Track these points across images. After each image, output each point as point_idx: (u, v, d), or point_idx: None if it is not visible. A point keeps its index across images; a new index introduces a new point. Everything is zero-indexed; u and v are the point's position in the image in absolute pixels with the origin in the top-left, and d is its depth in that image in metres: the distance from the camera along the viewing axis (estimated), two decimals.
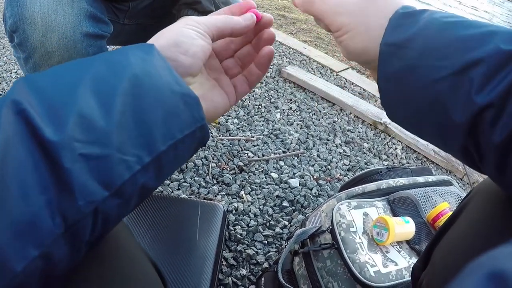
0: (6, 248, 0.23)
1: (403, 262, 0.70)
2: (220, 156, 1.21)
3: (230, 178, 1.12)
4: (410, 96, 0.34)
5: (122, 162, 0.28)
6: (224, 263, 0.89)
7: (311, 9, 0.41)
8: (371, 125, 1.58)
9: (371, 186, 0.84)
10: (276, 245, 0.97)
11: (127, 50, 0.32)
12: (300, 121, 1.50)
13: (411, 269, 0.54)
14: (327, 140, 1.43)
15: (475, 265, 0.15)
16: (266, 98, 1.59)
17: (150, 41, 0.36)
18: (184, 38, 0.35)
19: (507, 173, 0.30)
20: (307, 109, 1.59)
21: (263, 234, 0.98)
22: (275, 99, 1.60)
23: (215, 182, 1.11)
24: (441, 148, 0.36)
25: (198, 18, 0.38)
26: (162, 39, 0.36)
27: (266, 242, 0.96)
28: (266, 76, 1.74)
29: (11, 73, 1.60)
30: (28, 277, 0.25)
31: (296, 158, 1.29)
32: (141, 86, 0.30)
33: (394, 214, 0.80)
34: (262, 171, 1.19)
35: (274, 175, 1.18)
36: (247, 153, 1.24)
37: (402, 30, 0.34)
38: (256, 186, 1.12)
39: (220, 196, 1.06)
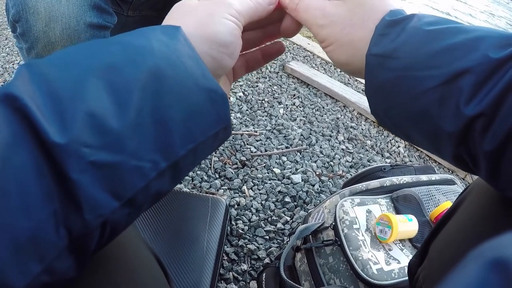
0: (6, 265, 0.21)
1: (405, 260, 0.70)
2: (223, 150, 1.20)
3: (232, 173, 1.12)
4: (398, 106, 0.33)
5: (136, 169, 0.25)
6: (226, 258, 0.89)
7: (296, 16, 0.39)
8: (374, 122, 1.57)
9: (374, 183, 0.83)
10: (278, 240, 0.96)
11: (149, 32, 0.28)
12: (303, 116, 1.49)
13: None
14: (330, 136, 1.42)
15: (477, 253, 0.15)
16: (270, 93, 1.58)
17: (171, 19, 0.31)
18: (232, 37, 0.31)
19: (500, 179, 0.30)
20: (311, 105, 1.58)
21: (265, 229, 0.97)
22: (278, 94, 1.59)
23: (217, 176, 1.11)
24: (434, 154, 0.36)
25: (234, 3, 0.33)
26: (201, 27, 0.30)
27: (267, 237, 0.96)
28: (270, 71, 1.73)
29: (13, 64, 1.59)
30: None
31: (298, 153, 1.28)
32: (162, 80, 0.26)
33: (397, 212, 0.79)
34: (264, 166, 1.19)
35: (277, 171, 1.18)
36: (249, 148, 1.24)
37: (388, 39, 0.33)
38: (258, 181, 1.12)
39: (222, 190, 1.06)
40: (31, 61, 0.25)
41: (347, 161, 1.32)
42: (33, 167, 0.22)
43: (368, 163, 1.33)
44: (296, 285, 0.67)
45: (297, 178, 1.15)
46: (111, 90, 0.24)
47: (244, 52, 0.42)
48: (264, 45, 0.43)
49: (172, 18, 0.33)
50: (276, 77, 1.71)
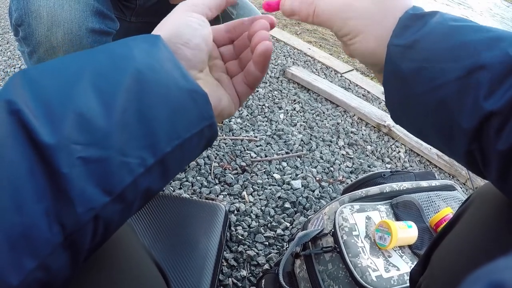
0: (1, 262, 0.22)
1: (405, 267, 0.70)
2: (223, 155, 1.20)
3: (232, 178, 1.12)
4: (415, 98, 0.33)
5: (123, 165, 0.26)
6: (225, 263, 0.89)
7: (313, 19, 0.39)
8: (374, 127, 1.57)
9: (374, 190, 0.83)
10: (277, 246, 0.96)
11: (131, 41, 0.31)
12: (303, 122, 1.49)
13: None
14: (330, 141, 1.42)
15: (474, 277, 0.16)
16: (270, 99, 1.59)
17: (154, 32, 0.35)
18: (185, 28, 0.34)
19: (510, 181, 0.30)
20: (311, 110, 1.58)
21: (265, 235, 0.97)
22: (278, 99, 1.59)
23: (217, 182, 1.11)
24: (445, 152, 0.36)
25: (196, 1, 0.37)
26: (163, 30, 0.34)
27: (267, 243, 0.96)
28: (270, 76, 1.74)
29: (14, 68, 1.60)
30: None
31: (299, 159, 1.28)
32: (145, 82, 0.29)
33: (397, 218, 0.79)
34: (264, 171, 1.19)
35: (277, 176, 1.17)
36: (249, 153, 1.24)
37: (411, 31, 0.34)
38: (258, 187, 1.12)
39: (222, 196, 1.06)
40: (25, 69, 0.27)
41: (348, 167, 1.32)
42: (26, 165, 0.23)
43: (369, 168, 1.33)
44: None
45: (297, 183, 1.15)
46: (98, 92, 0.27)
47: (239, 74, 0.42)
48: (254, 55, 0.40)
49: (157, 27, 0.37)
50: (277, 82, 1.71)
